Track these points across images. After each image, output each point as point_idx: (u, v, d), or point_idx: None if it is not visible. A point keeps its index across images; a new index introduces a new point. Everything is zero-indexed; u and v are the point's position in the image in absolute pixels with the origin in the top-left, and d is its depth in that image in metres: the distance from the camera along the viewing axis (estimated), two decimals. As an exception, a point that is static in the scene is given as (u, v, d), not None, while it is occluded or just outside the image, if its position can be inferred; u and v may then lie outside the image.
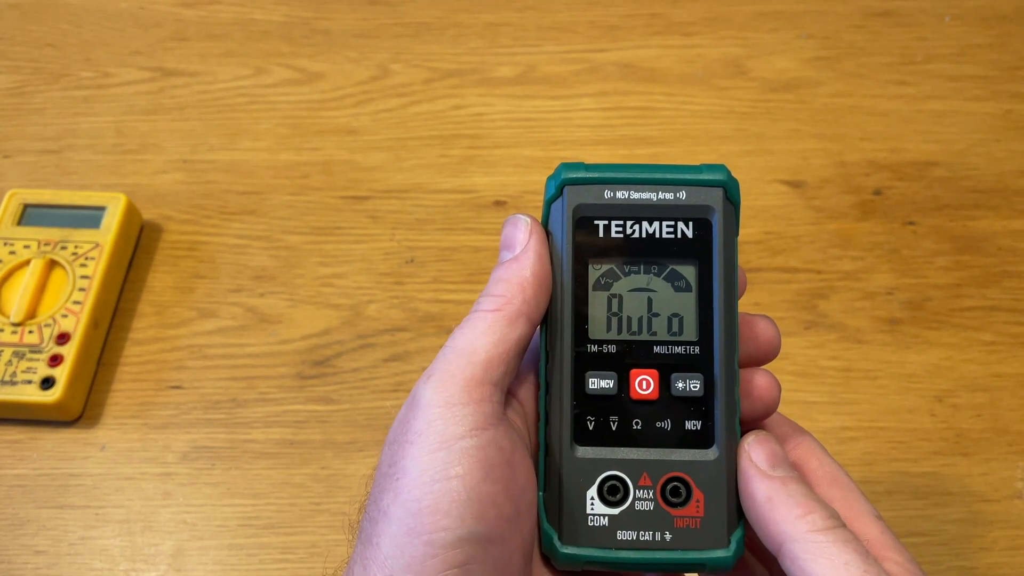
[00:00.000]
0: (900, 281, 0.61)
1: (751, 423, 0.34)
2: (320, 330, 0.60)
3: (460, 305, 0.60)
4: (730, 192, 0.33)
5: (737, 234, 0.33)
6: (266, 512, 0.53)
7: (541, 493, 0.32)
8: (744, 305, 0.64)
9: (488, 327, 0.31)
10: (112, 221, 0.61)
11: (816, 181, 0.66)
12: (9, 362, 0.56)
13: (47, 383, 0.55)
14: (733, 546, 0.32)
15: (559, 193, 0.33)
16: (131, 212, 0.62)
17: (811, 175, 0.66)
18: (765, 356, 0.34)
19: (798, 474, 0.31)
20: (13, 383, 0.55)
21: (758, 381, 0.33)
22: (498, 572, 0.29)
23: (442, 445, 0.29)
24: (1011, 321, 0.60)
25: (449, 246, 0.63)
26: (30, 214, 0.62)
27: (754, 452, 0.31)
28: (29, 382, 0.55)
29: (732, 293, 0.33)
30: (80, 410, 0.57)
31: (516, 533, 0.30)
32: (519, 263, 0.32)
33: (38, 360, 0.56)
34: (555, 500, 0.32)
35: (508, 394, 0.32)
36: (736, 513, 0.32)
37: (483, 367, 0.30)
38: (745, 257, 0.62)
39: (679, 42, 0.74)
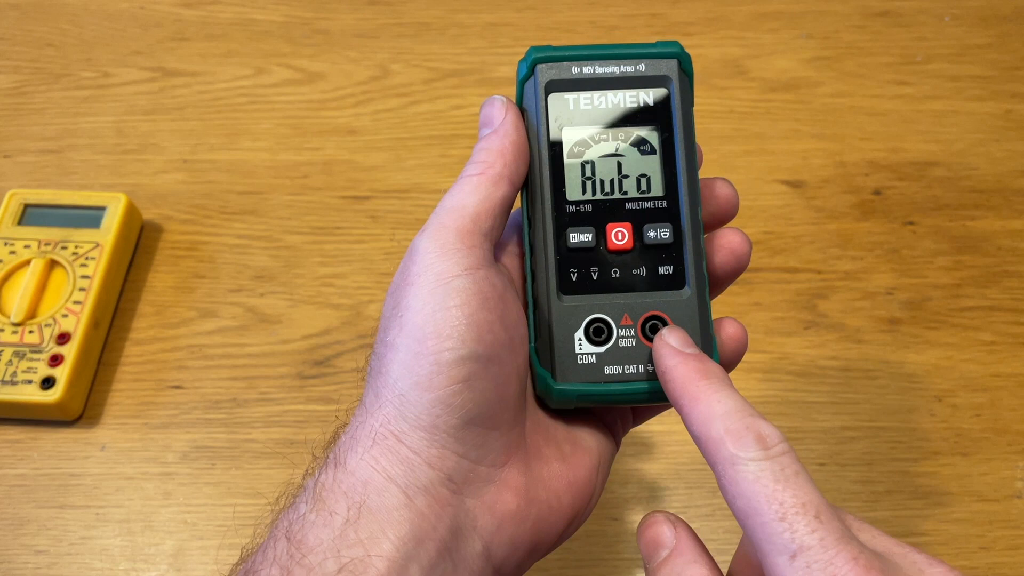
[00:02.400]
0: (900, 281, 0.61)
1: (729, 275, 0.37)
2: (320, 330, 0.60)
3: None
4: (684, 63, 0.36)
5: (692, 103, 0.36)
6: (266, 512, 0.53)
7: (532, 344, 0.35)
8: (744, 305, 0.64)
9: (474, 188, 0.34)
10: (112, 221, 0.61)
11: (816, 181, 0.66)
12: (9, 362, 0.56)
13: (47, 383, 0.55)
14: None
15: (531, 72, 0.36)
16: (131, 212, 0.62)
17: (811, 175, 0.66)
18: (726, 212, 0.37)
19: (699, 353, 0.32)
20: (13, 383, 0.55)
21: (729, 236, 0.37)
22: (498, 389, 0.32)
23: (440, 283, 0.31)
24: (1011, 321, 0.60)
25: (449, 246, 0.63)
26: (30, 214, 0.62)
27: (669, 337, 0.33)
28: (29, 382, 0.55)
29: (692, 154, 0.36)
30: (80, 410, 0.57)
31: (511, 358, 0.33)
32: (498, 135, 0.35)
33: (38, 360, 0.56)
34: (546, 345, 0.34)
35: (495, 258, 0.35)
36: (711, 346, 0.34)
37: (472, 219, 0.33)
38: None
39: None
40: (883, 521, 0.53)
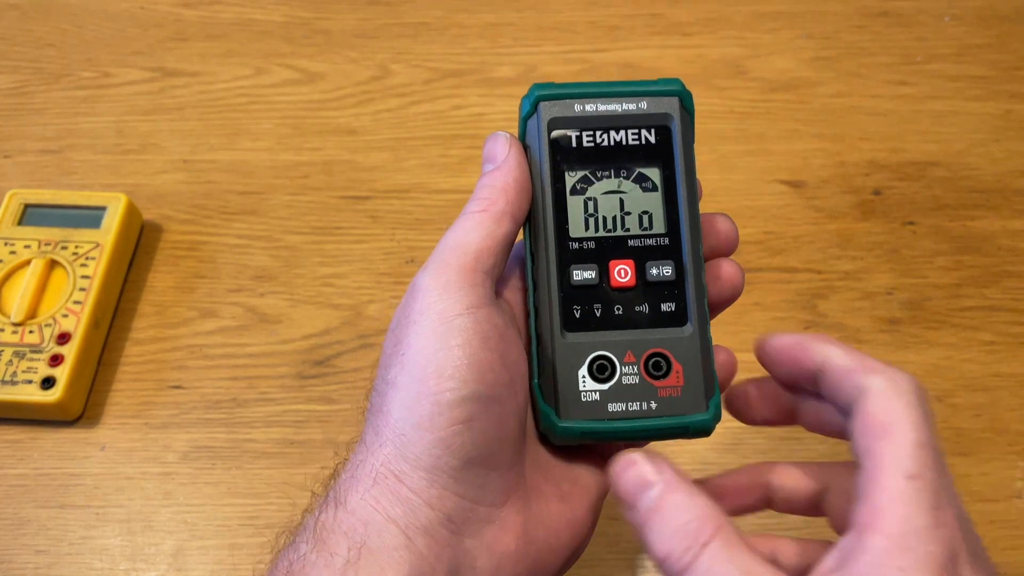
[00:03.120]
0: (900, 281, 0.61)
1: (723, 304, 0.37)
2: (320, 330, 0.60)
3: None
4: (685, 101, 0.37)
5: (693, 140, 0.37)
6: (266, 512, 0.53)
7: (535, 381, 0.35)
8: (744, 305, 0.64)
9: (477, 224, 0.34)
10: (112, 221, 0.61)
11: (816, 181, 0.66)
12: (9, 362, 0.56)
13: (47, 383, 0.55)
14: (711, 410, 0.35)
15: (534, 109, 0.36)
16: (131, 212, 0.62)
17: (811, 175, 0.66)
18: (726, 248, 0.38)
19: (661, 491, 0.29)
20: (13, 383, 0.55)
21: (725, 268, 0.37)
22: (498, 429, 0.32)
23: (442, 322, 0.31)
24: (1011, 321, 0.60)
25: (449, 246, 0.63)
26: (30, 214, 0.62)
27: (619, 481, 0.30)
28: (30, 382, 0.55)
29: (693, 191, 0.36)
30: (80, 410, 0.57)
31: (512, 398, 0.33)
32: (501, 171, 0.35)
33: (38, 360, 0.56)
34: (550, 383, 0.34)
35: (497, 295, 0.35)
36: (712, 382, 0.35)
37: (474, 257, 0.33)
38: (745, 257, 0.62)
39: (679, 42, 0.74)
40: (883, 521, 0.53)
